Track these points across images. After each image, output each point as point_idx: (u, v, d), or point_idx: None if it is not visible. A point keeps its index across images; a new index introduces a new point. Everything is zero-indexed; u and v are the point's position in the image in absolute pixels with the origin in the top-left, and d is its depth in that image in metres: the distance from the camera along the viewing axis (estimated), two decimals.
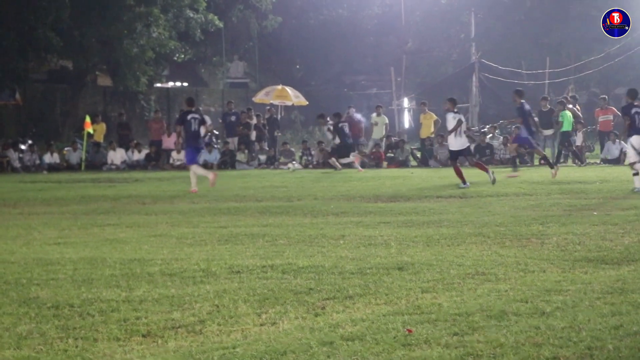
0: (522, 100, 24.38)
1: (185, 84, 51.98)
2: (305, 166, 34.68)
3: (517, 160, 28.36)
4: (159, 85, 46.84)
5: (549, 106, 32.91)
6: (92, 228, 14.15)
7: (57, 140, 38.80)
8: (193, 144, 22.43)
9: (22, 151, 36.19)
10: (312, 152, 35.61)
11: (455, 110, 22.92)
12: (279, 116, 39.34)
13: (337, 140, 31.43)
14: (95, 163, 36.20)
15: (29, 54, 37.50)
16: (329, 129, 32.26)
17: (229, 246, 11.67)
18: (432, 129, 34.29)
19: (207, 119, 34.59)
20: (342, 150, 31.48)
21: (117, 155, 36.51)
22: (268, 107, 38.73)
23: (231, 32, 49.54)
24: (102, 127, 38.29)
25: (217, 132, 38.92)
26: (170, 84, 50.50)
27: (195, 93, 49.70)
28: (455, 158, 22.97)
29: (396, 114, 43.74)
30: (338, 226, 13.69)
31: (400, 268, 9.56)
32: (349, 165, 31.32)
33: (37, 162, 35.91)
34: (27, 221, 15.46)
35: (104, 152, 36.96)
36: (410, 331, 6.89)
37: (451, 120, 22.57)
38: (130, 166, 35.42)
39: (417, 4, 53.04)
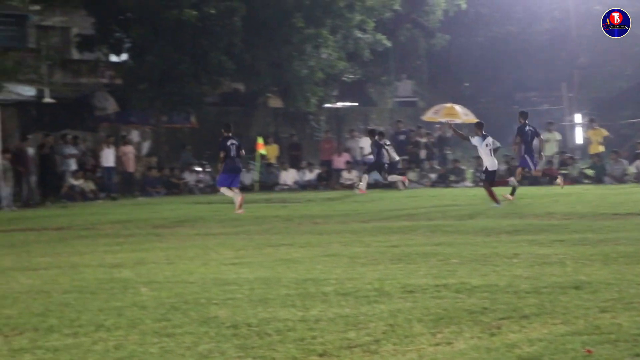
0: (525, 121, 24.57)
1: (355, 104, 52.28)
2: (477, 184, 34.42)
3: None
4: (328, 105, 47.25)
5: None
6: (266, 248, 14.37)
7: None
8: (230, 168, 23.63)
9: (197, 173, 37.16)
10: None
11: (484, 133, 23.52)
12: (449, 134, 39.12)
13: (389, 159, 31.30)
14: (268, 183, 36.82)
15: (203, 78, 38.38)
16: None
17: (402, 265, 11.66)
18: (601, 145, 33.71)
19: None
20: (373, 168, 31.55)
21: (289, 176, 37.04)
22: (438, 126, 38.62)
23: (399, 51, 49.59)
24: (275, 148, 38.96)
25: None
26: (340, 104, 50.87)
27: (364, 113, 49.95)
28: (492, 179, 23.36)
29: (568, 130, 42.93)
30: (511, 244, 13.52)
31: (576, 287, 9.36)
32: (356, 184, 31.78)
33: (212, 183, 36.78)
34: (204, 242, 15.82)
35: (277, 173, 37.56)
36: (589, 352, 6.75)
37: (480, 144, 23.28)
38: (302, 186, 35.88)
39: (588, 18, 51.93)
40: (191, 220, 20.87)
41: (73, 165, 33.87)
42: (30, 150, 32.52)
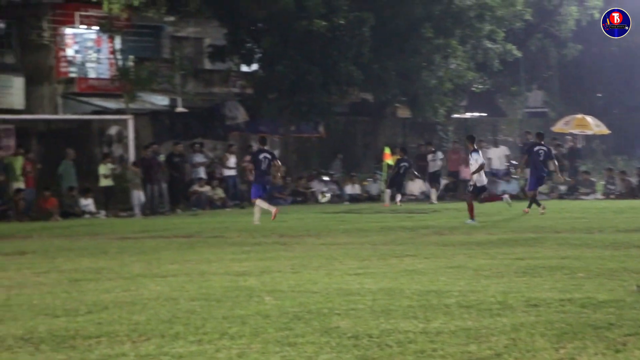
0: (535, 141, 24.97)
1: (484, 114, 51.89)
2: (607, 196, 33.80)
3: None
4: (457, 115, 47.01)
5: None
6: (390, 259, 14.37)
7: (358, 171, 39.75)
8: (261, 181, 24.06)
9: (325, 182, 37.40)
10: (616, 182, 34.73)
11: (475, 147, 23.67)
12: (580, 145, 38.56)
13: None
14: (395, 194, 36.78)
15: (331, 88, 38.60)
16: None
17: (526, 278, 11.54)
18: None
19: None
20: (394, 183, 32.93)
21: (415, 186, 36.93)
22: (569, 137, 38.08)
23: (530, 61, 49.03)
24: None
25: (515, 162, 38.61)
26: (469, 114, 50.55)
27: (493, 123, 49.53)
28: (479, 193, 23.40)
29: None
30: None
31: None
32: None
33: (338, 193, 36.98)
34: (329, 251, 15.91)
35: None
36: None
37: (477, 158, 23.25)
38: (429, 197, 35.73)
39: None
40: (317, 230, 21.00)
41: (202, 173, 34.43)
42: (161, 158, 33.22)
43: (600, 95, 56.12)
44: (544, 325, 8.32)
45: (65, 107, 39.63)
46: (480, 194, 23.70)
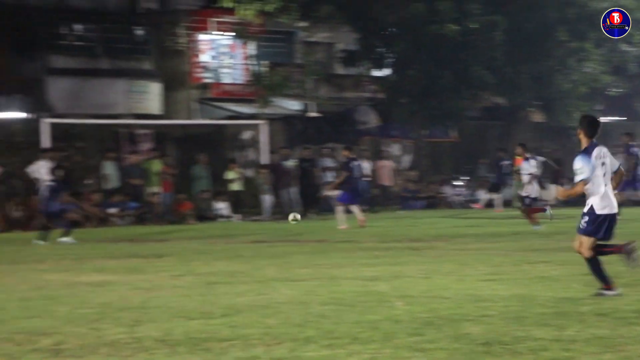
0: (628, 142, 25.17)
1: (622, 119, 50.80)
2: None
3: None
4: None
5: None
6: (523, 265, 14.23)
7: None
8: (350, 187, 24.98)
9: (457, 187, 37.22)
10: None
11: (527, 155, 23.24)
12: None
13: None
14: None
15: (463, 92, 38.42)
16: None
17: None
18: None
19: None
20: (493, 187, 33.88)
21: (550, 192, 36.41)
22: None
23: None
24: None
25: None
26: (605, 118, 49.59)
27: (631, 128, 48.47)
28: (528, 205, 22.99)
29: None
30: None
31: None
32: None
33: (472, 198, 36.74)
34: (460, 257, 15.84)
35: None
36: None
37: (528, 167, 22.97)
38: (564, 202, 35.16)
39: None
40: (449, 235, 20.92)
41: (330, 177, 34.58)
42: (291, 163, 33.52)
43: None
44: None
45: (200, 112, 40.36)
46: (533, 204, 23.42)
